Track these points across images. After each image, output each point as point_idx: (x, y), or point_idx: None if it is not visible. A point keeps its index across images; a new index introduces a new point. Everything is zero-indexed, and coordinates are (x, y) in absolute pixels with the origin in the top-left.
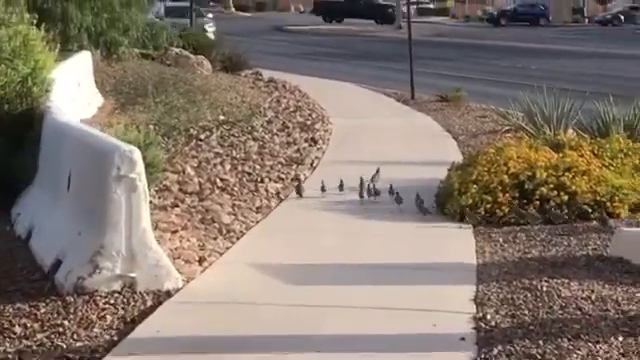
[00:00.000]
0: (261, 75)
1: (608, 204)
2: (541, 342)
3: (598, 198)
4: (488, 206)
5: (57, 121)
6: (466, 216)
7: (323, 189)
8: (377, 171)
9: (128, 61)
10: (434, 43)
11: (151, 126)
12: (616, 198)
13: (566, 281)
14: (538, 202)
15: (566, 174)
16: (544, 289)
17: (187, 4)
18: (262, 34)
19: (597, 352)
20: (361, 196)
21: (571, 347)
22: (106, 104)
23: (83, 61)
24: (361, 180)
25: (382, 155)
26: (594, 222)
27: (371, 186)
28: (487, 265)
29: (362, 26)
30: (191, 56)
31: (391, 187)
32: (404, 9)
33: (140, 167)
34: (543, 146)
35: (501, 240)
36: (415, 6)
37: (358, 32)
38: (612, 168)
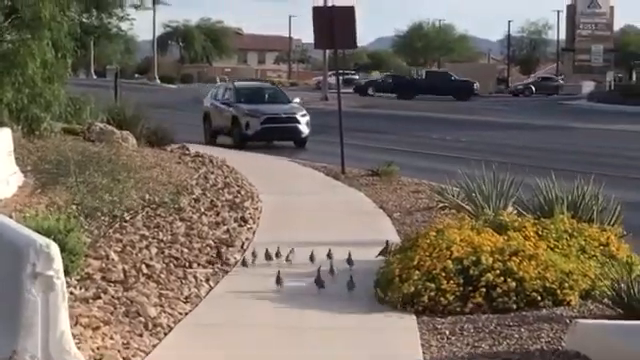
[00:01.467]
0: (188, 149)
1: (558, 291)
2: None
3: (547, 284)
4: (432, 294)
5: None
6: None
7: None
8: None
9: (50, 137)
10: (362, 114)
11: (73, 206)
12: (566, 284)
13: None
14: (484, 289)
15: (513, 259)
16: None
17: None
18: (187, 106)
19: None
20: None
21: None
22: (27, 183)
23: (3, 138)
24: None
25: (314, 235)
26: (544, 310)
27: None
28: None
29: None
30: (116, 131)
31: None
32: (330, 80)
33: (58, 263)
34: (486, 228)
35: (447, 332)
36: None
37: None
38: (558, 250)
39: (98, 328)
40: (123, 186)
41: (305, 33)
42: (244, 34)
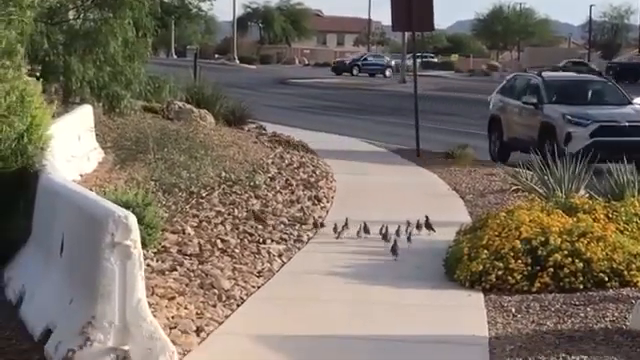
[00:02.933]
0: (265, 129)
1: (625, 272)
2: None
3: (615, 266)
4: (499, 273)
5: (51, 181)
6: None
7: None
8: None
9: (130, 115)
10: (439, 97)
11: (152, 182)
12: (633, 266)
13: (585, 357)
14: (552, 269)
15: (581, 240)
16: None
17: None
18: (266, 87)
19: None
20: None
21: None
22: (107, 159)
23: (84, 115)
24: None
25: (387, 214)
26: (610, 291)
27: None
28: (500, 339)
29: (366, 79)
30: (194, 110)
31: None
32: (408, 63)
33: (136, 233)
34: (556, 209)
35: (513, 310)
36: (420, 60)
37: (362, 85)
38: (627, 233)
39: (173, 298)
40: (200, 163)
41: (384, 15)
42: (324, 16)
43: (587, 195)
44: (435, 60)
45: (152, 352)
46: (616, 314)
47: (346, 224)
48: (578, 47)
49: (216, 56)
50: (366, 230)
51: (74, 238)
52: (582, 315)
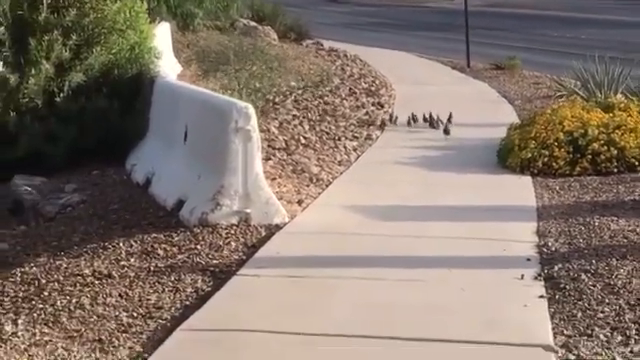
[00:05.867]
0: (322, 45)
1: None
2: (594, 261)
3: None
4: (545, 159)
5: (170, 84)
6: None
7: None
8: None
9: (200, 32)
10: (487, 13)
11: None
12: None
13: (615, 218)
14: (590, 156)
15: (616, 131)
16: (596, 224)
17: None
18: (315, 4)
19: None
20: (433, 126)
21: (619, 265)
22: (185, 72)
23: (163, 32)
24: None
25: (444, 116)
26: None
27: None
28: (546, 207)
29: None
30: (259, 27)
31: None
32: None
33: (254, 120)
34: (595, 108)
35: (557, 188)
36: None
37: (410, 2)
38: None
39: (274, 179)
40: (278, 74)
41: None
42: None
43: (624, 97)
44: None
45: (268, 214)
46: None
47: (413, 118)
48: None
49: None
50: (425, 120)
51: (198, 127)
52: (615, 191)
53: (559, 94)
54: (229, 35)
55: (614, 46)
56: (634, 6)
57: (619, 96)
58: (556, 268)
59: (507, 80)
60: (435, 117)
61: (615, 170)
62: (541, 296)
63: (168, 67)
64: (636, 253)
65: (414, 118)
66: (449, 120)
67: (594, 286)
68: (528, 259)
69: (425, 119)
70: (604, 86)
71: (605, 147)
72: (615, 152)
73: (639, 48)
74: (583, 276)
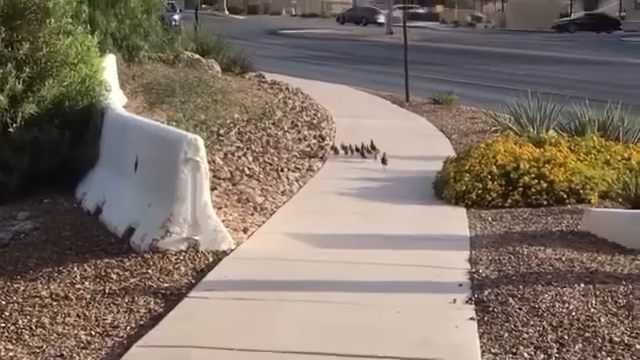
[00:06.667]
0: (264, 78)
1: (581, 191)
2: (521, 287)
3: (572, 186)
4: (479, 192)
5: (121, 115)
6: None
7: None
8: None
9: (145, 64)
10: (425, 48)
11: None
12: (588, 186)
13: (542, 248)
14: (522, 189)
15: (546, 166)
16: (524, 252)
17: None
18: (257, 37)
19: (563, 294)
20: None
21: (544, 290)
22: (130, 103)
23: (110, 64)
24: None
25: (382, 149)
26: (569, 206)
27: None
28: (478, 237)
29: (354, 30)
30: (202, 59)
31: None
32: (395, 14)
33: (203, 152)
34: (527, 143)
35: (490, 219)
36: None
37: (350, 36)
38: (586, 162)
39: (220, 208)
40: (221, 106)
41: None
42: None
43: (555, 133)
44: (420, 11)
45: (216, 241)
46: (571, 221)
47: (353, 149)
48: None
49: (203, 6)
50: (364, 152)
51: (148, 157)
52: (543, 222)
53: (494, 129)
54: (174, 67)
55: (551, 82)
56: (571, 43)
57: (551, 132)
58: (486, 293)
59: (445, 114)
60: (374, 149)
61: (545, 202)
62: (471, 318)
63: (115, 98)
64: (560, 279)
65: (354, 149)
66: (383, 155)
67: (520, 309)
68: (460, 284)
69: (364, 151)
70: (536, 122)
71: (536, 180)
72: (545, 185)
73: (574, 84)
74: (510, 300)
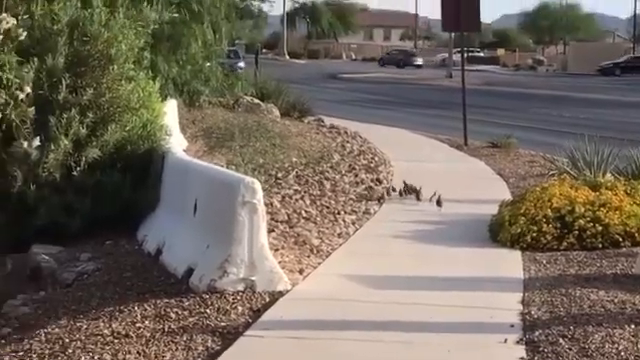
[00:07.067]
0: (323, 122)
1: (636, 234)
2: (572, 327)
3: (628, 229)
4: (534, 235)
5: (181, 159)
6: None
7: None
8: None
9: (206, 109)
10: (484, 91)
11: (233, 166)
12: None
13: (595, 290)
14: (577, 232)
15: (601, 209)
16: (577, 294)
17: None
18: (317, 81)
19: (613, 334)
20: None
21: (594, 331)
22: (191, 147)
23: (171, 108)
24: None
25: (442, 194)
26: (624, 249)
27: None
28: (532, 279)
29: (414, 74)
30: (262, 104)
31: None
32: (455, 57)
33: (260, 194)
34: (583, 186)
35: (544, 261)
36: (466, 54)
37: (410, 80)
38: None
39: (277, 250)
40: (279, 150)
41: (431, 9)
42: (370, 10)
43: (612, 177)
44: (481, 55)
45: (272, 282)
46: (625, 264)
47: (409, 191)
48: (624, 41)
49: (264, 51)
50: (420, 195)
51: (207, 200)
52: (598, 265)
53: (552, 172)
54: (234, 112)
55: (610, 126)
56: (631, 86)
57: (608, 175)
58: (537, 333)
59: (503, 158)
60: (432, 193)
61: (600, 245)
62: (521, 358)
63: (176, 142)
64: (611, 321)
65: (410, 191)
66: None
67: (570, 349)
68: (512, 325)
69: (419, 194)
70: (593, 165)
71: (591, 224)
72: (600, 228)
73: (633, 128)
74: (561, 340)
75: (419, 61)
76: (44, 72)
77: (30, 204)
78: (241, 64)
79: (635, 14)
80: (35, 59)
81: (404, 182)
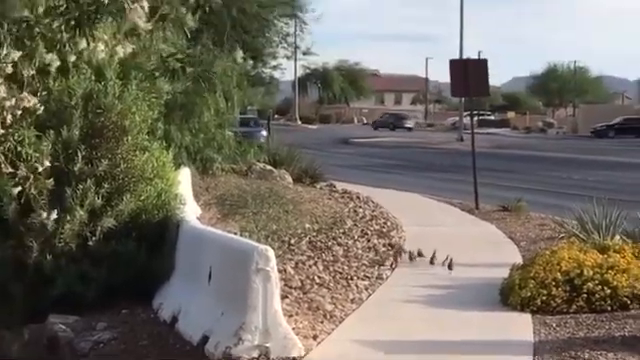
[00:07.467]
0: (335, 187)
1: None
2: None
3: (636, 292)
4: (544, 298)
5: (195, 228)
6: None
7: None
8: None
9: (219, 176)
10: (495, 155)
11: (247, 233)
12: None
13: (604, 352)
14: (585, 295)
15: (609, 272)
16: (586, 357)
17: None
18: (329, 146)
19: None
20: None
21: None
22: (204, 214)
23: (184, 176)
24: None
25: (453, 258)
26: (632, 311)
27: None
28: (542, 342)
29: (425, 138)
30: (274, 170)
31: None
32: (466, 121)
33: (273, 262)
34: (591, 249)
35: (554, 325)
36: (477, 117)
37: (421, 144)
38: None
39: (291, 316)
40: (292, 216)
41: (441, 73)
42: (381, 75)
43: (620, 240)
44: (492, 118)
45: (286, 348)
46: (634, 326)
47: (419, 254)
48: (634, 102)
49: (275, 116)
50: (433, 260)
51: (221, 268)
52: (607, 327)
53: (562, 235)
54: (246, 179)
55: (619, 188)
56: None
57: (617, 238)
58: None
59: (514, 222)
60: (443, 257)
61: (609, 308)
62: None
63: (190, 210)
64: None
65: (421, 255)
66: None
67: None
68: None
69: (433, 259)
70: (602, 228)
71: (599, 286)
72: (609, 291)
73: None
74: None
75: (409, 124)
76: (60, 144)
77: (47, 274)
78: (264, 132)
79: None
80: (51, 132)
81: (418, 250)
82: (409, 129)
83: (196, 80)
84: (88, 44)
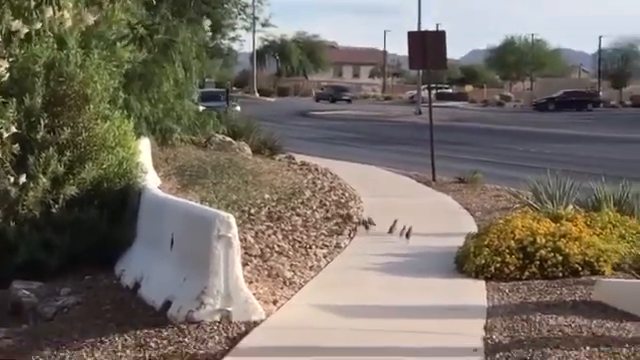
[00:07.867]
0: (294, 159)
1: (595, 263)
2: (531, 350)
3: (587, 259)
4: (498, 265)
5: (157, 195)
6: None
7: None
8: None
9: (178, 147)
10: (452, 127)
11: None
12: (601, 259)
13: (554, 316)
14: (538, 262)
15: (561, 240)
16: (537, 320)
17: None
18: (287, 119)
19: (569, 355)
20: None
21: (551, 353)
22: (164, 185)
23: (144, 146)
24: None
25: (408, 227)
26: (583, 277)
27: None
28: (495, 307)
29: (383, 111)
30: (233, 142)
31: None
32: (424, 94)
33: (235, 229)
34: (545, 218)
35: (507, 290)
36: (435, 90)
37: (379, 117)
38: (602, 236)
39: (251, 282)
40: (252, 187)
41: (399, 46)
42: (339, 47)
43: (573, 209)
44: (450, 91)
45: (247, 312)
46: (584, 292)
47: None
48: (590, 76)
49: (233, 89)
50: (390, 229)
51: (183, 235)
52: (558, 293)
53: (517, 206)
54: (206, 150)
55: (573, 160)
56: (595, 122)
57: (570, 208)
58: (497, 356)
59: (470, 193)
60: (400, 227)
61: (560, 274)
62: None
63: (150, 180)
64: (568, 343)
65: (372, 223)
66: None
67: None
68: (475, 349)
69: (392, 229)
70: (556, 198)
71: (552, 254)
72: (560, 258)
73: (596, 162)
74: None
75: (347, 96)
76: (22, 112)
77: (10, 241)
78: (237, 108)
79: (600, 50)
80: (14, 99)
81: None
82: (348, 101)
83: (165, 47)
84: (54, 12)
